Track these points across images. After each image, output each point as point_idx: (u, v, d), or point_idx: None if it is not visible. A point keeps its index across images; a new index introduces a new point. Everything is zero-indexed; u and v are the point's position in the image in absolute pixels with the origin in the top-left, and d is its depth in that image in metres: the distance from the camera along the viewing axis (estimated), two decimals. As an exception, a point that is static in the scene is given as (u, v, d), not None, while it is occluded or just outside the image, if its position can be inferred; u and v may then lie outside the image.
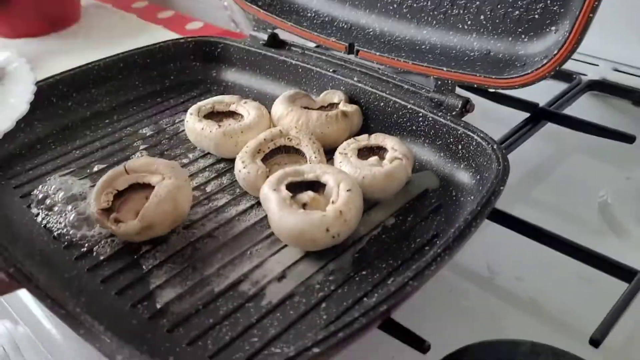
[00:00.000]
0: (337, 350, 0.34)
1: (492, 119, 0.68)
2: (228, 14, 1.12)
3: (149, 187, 0.49)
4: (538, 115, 0.65)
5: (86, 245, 0.48)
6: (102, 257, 0.47)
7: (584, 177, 0.63)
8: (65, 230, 0.49)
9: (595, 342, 0.39)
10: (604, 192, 0.59)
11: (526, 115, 0.66)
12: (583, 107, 0.71)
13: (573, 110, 0.68)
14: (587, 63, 0.80)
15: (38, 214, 0.51)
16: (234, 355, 0.38)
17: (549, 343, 0.42)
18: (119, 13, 1.15)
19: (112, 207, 0.48)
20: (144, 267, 0.46)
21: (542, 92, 0.70)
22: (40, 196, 0.53)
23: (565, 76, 0.75)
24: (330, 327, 0.34)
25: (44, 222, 0.50)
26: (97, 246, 0.48)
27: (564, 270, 0.50)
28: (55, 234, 0.49)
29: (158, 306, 0.42)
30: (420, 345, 0.39)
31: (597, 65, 0.80)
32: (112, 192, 0.48)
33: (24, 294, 0.51)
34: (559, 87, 0.73)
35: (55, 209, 0.51)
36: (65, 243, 0.48)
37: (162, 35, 1.05)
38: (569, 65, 0.76)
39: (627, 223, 0.55)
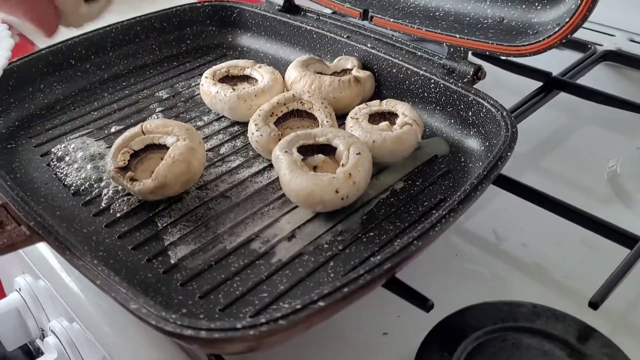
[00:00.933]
0: (342, 305, 0.36)
1: (504, 88, 0.68)
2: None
3: (164, 147, 0.50)
4: (551, 85, 0.65)
5: (104, 202, 0.49)
6: (119, 214, 0.48)
7: (595, 147, 0.63)
8: (83, 187, 0.51)
9: (593, 304, 0.40)
10: (614, 161, 0.59)
11: (539, 84, 0.66)
12: (597, 78, 0.71)
13: (586, 80, 0.68)
14: (604, 33, 0.79)
15: (57, 171, 0.53)
16: (244, 309, 0.40)
17: (551, 306, 0.43)
18: (137, -23, 1.15)
19: (128, 166, 0.49)
20: (159, 224, 0.47)
21: (557, 62, 0.70)
22: (60, 154, 0.54)
23: (581, 46, 0.75)
24: (335, 282, 0.35)
25: (64, 179, 0.52)
26: (114, 203, 0.49)
27: (569, 236, 0.51)
28: (74, 190, 0.51)
29: (172, 261, 0.44)
30: (424, 304, 0.40)
31: (614, 35, 0.79)
32: (128, 152, 0.50)
33: (44, 250, 0.53)
34: (573, 57, 0.73)
35: (75, 166, 0.53)
36: (84, 200, 0.50)
37: (179, 0, 1.05)
38: (585, 35, 0.77)
39: (635, 192, 0.56)
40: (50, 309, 0.56)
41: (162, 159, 0.49)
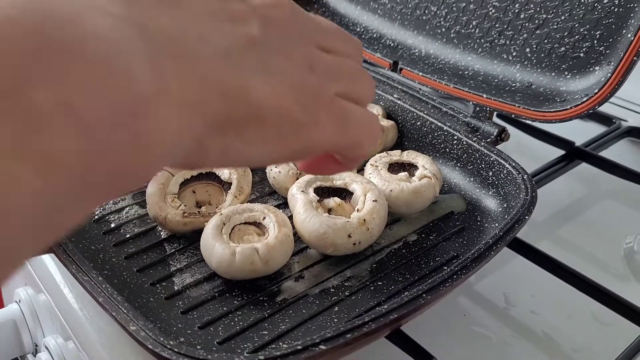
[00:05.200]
0: (343, 351, 0.35)
1: (525, 153, 0.68)
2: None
3: (196, 179, 0.51)
4: (573, 154, 0.65)
5: (116, 221, 0.49)
6: (129, 235, 0.48)
7: (613, 221, 0.62)
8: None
9: (602, 381, 0.39)
10: (631, 238, 0.58)
11: (561, 152, 0.66)
12: (619, 153, 0.71)
13: (609, 153, 0.67)
14: (629, 110, 0.79)
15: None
16: (243, 345, 0.39)
17: (557, 378, 0.42)
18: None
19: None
20: (167, 249, 0.47)
21: (580, 133, 0.70)
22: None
23: (605, 120, 0.75)
24: (339, 327, 0.34)
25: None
26: (126, 224, 0.49)
27: (581, 309, 0.49)
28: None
29: (176, 288, 0.43)
30: (428, 360, 0.39)
31: (639, 113, 0.79)
32: (175, 196, 0.49)
33: (50, 263, 0.53)
34: (597, 129, 0.73)
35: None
36: (96, 217, 0.50)
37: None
38: (610, 110, 0.77)
39: (651, 271, 0.55)
40: (47, 324, 0.55)
41: (194, 191, 0.51)
